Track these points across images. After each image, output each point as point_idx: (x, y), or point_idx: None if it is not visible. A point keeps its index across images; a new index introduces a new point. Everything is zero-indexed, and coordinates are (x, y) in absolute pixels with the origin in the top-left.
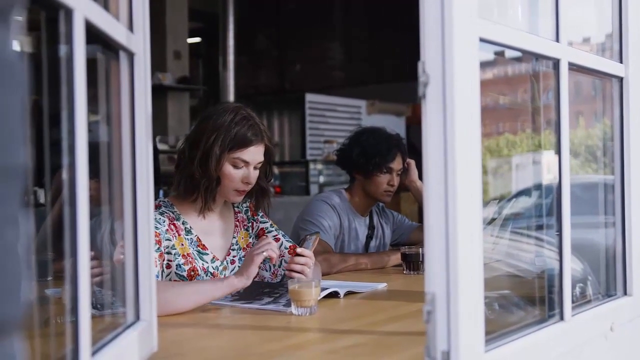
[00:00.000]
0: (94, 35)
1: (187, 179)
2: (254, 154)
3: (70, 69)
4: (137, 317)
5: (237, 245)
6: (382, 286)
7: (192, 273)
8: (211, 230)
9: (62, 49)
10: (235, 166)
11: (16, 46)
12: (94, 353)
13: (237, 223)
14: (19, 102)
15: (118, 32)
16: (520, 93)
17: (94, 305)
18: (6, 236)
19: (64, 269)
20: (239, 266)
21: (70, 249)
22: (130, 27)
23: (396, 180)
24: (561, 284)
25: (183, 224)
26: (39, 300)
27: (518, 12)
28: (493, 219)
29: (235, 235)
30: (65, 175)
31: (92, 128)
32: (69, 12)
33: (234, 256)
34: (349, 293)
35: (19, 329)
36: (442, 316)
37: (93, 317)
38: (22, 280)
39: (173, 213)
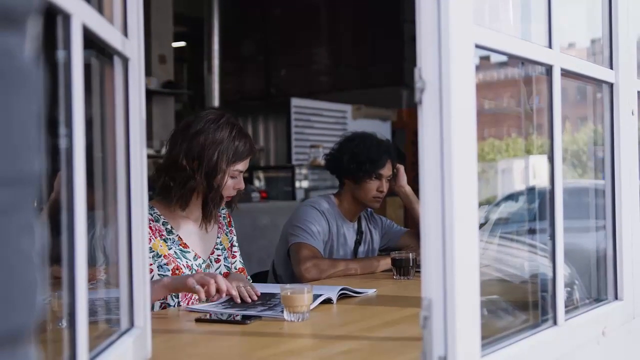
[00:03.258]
0: (89, 40)
1: (189, 193)
2: (247, 163)
3: (68, 74)
4: (132, 324)
5: (221, 245)
6: (372, 292)
7: (177, 272)
8: (194, 231)
9: (59, 54)
10: (232, 177)
11: (32, 53)
12: None
13: (220, 225)
14: (34, 109)
15: (113, 37)
16: (506, 98)
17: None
18: (22, 244)
19: (54, 275)
20: (224, 265)
21: (67, 255)
22: (125, 32)
23: (385, 187)
24: (554, 288)
25: (163, 224)
26: None
27: (510, 18)
28: (482, 224)
29: (219, 235)
30: (62, 180)
31: (85, 133)
32: (66, 17)
33: (218, 255)
34: (342, 296)
35: (34, 336)
36: (438, 321)
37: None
38: (37, 288)
39: (152, 215)
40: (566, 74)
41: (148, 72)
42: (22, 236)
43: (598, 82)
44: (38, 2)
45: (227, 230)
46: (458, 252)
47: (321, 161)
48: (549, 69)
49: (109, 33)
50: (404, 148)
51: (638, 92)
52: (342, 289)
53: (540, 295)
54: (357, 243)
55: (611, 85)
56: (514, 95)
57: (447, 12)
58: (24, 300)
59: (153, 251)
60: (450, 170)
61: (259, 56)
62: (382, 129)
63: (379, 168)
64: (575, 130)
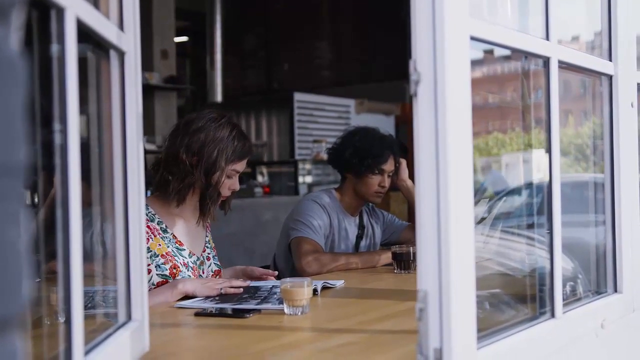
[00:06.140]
0: (84, 34)
1: (187, 188)
2: (244, 164)
3: (62, 68)
4: (129, 317)
5: (209, 244)
6: (339, 283)
7: (174, 270)
8: (186, 229)
9: (53, 48)
10: (229, 176)
11: (17, 45)
12: (86, 353)
13: (208, 225)
14: (20, 100)
15: (109, 31)
16: (510, 92)
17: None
18: (8, 234)
19: (53, 270)
20: (214, 263)
21: (62, 249)
22: (121, 26)
23: (387, 182)
24: (552, 281)
25: (158, 224)
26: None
27: (508, 10)
28: (483, 218)
29: (207, 234)
30: (57, 176)
31: (81, 128)
32: (60, 11)
33: (208, 253)
34: (324, 288)
35: (20, 326)
36: (434, 313)
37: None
38: (23, 278)
39: (147, 215)
40: (564, 66)
41: (150, 67)
42: (8, 226)
43: (597, 75)
44: None
45: (209, 232)
46: (453, 243)
47: (324, 156)
48: (546, 61)
49: (104, 27)
50: (408, 142)
51: (638, 84)
52: (323, 287)
53: (540, 288)
54: (359, 237)
55: (610, 78)
56: (518, 89)
57: (441, 3)
58: (9, 289)
59: (151, 251)
60: (445, 162)
61: (261, 51)
62: (385, 124)
63: (381, 163)
64: (579, 124)
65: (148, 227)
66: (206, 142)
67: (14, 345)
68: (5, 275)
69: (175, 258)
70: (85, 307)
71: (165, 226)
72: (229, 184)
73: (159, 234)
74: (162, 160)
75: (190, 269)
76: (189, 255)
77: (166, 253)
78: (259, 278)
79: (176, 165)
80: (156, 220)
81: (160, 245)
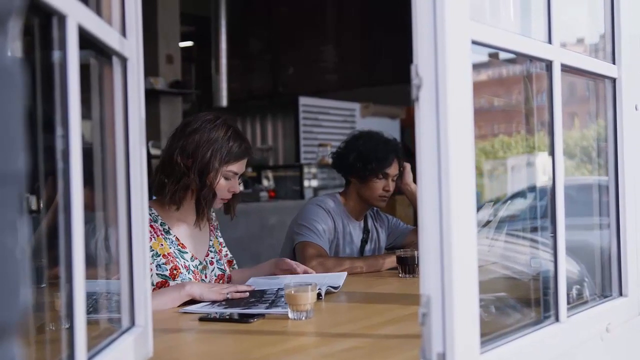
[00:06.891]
0: (86, 40)
1: (182, 190)
2: (243, 165)
3: (64, 74)
4: (133, 323)
5: (213, 248)
6: (342, 277)
7: (175, 272)
8: (189, 233)
9: (55, 55)
10: (226, 178)
11: (14, 52)
12: (89, 358)
13: (212, 228)
14: (18, 108)
15: (111, 38)
16: (515, 94)
17: (88, 311)
18: (6, 242)
19: (57, 275)
20: (217, 267)
21: (65, 255)
22: (123, 33)
23: (391, 186)
24: (556, 284)
25: (161, 225)
26: (33, 306)
27: (510, 14)
28: (488, 221)
29: (211, 238)
30: (59, 181)
31: (84, 134)
32: (62, 18)
33: (212, 258)
34: (328, 293)
35: (18, 333)
36: (437, 318)
37: (87, 322)
38: (21, 285)
39: (150, 215)
40: (567, 69)
41: (155, 72)
42: (6, 233)
43: (600, 78)
44: (19, 3)
45: (217, 234)
46: (456, 248)
47: (329, 160)
48: (548, 65)
49: (106, 33)
50: (413, 146)
51: None
52: (327, 291)
53: (545, 291)
54: (364, 242)
55: (614, 81)
56: (523, 92)
57: (442, 8)
58: (7, 296)
59: (152, 250)
60: (447, 166)
61: (266, 54)
62: (391, 127)
63: (385, 167)
64: (585, 127)
65: (151, 227)
66: (200, 143)
67: (12, 352)
68: (3, 282)
69: (177, 260)
70: (88, 312)
71: (168, 227)
72: (228, 186)
73: (162, 234)
74: (160, 163)
75: (191, 272)
76: (191, 258)
77: (168, 253)
78: (289, 270)
79: (172, 168)
80: (159, 221)
81: (162, 245)
